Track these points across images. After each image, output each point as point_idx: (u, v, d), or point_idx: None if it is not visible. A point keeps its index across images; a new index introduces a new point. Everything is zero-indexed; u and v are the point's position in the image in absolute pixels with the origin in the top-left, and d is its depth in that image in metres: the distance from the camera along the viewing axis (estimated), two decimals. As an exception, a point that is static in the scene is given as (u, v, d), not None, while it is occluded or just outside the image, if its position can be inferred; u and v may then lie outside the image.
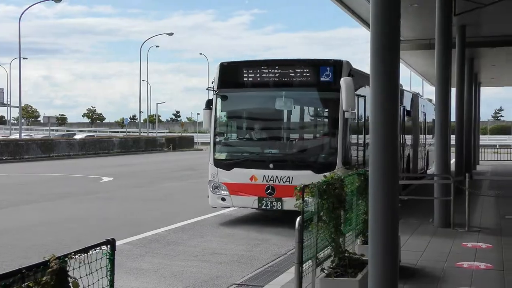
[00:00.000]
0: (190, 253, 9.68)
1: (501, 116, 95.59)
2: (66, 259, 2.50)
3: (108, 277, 2.88)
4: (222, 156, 12.61)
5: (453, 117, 14.95)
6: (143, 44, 67.57)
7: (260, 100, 12.85)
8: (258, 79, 12.33)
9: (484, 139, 49.95)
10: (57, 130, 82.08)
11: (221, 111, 12.85)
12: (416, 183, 17.54)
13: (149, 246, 10.21)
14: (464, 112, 19.37)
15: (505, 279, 7.74)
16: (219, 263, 8.97)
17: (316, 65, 12.00)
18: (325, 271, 6.29)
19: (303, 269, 5.90)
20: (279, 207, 11.76)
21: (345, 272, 6.27)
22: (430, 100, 23.98)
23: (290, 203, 10.08)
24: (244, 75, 12.41)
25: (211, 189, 12.48)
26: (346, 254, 6.46)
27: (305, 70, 12.08)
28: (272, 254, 9.60)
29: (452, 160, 17.11)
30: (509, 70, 28.81)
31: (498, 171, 26.93)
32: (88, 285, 2.70)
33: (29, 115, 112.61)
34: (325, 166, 11.45)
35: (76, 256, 2.58)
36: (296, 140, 13.14)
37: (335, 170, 10.53)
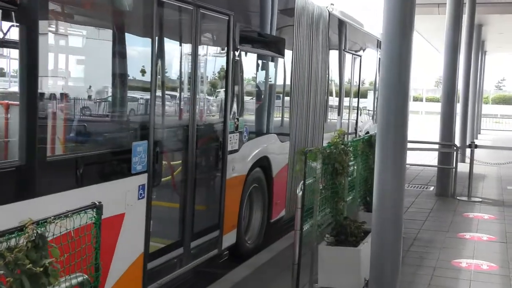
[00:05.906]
0: None
1: (503, 86, 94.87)
2: (45, 223, 2.24)
3: (94, 244, 2.63)
4: None
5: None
6: None
7: None
8: None
9: (486, 108, 49.49)
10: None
11: None
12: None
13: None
14: (470, 80, 18.97)
15: (508, 252, 7.55)
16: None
17: None
18: (326, 239, 6.08)
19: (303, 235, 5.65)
20: None
21: (346, 240, 6.05)
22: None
23: None
24: None
25: None
26: (348, 222, 6.23)
27: None
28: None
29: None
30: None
31: (500, 140, 26.62)
32: (70, 253, 2.45)
33: None
34: None
35: (56, 221, 2.33)
36: None
37: None
